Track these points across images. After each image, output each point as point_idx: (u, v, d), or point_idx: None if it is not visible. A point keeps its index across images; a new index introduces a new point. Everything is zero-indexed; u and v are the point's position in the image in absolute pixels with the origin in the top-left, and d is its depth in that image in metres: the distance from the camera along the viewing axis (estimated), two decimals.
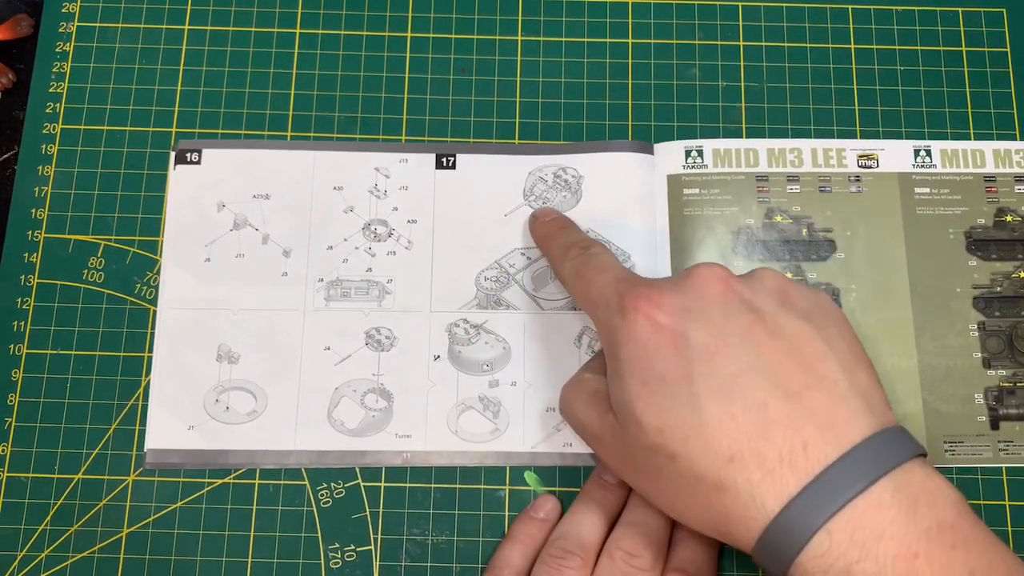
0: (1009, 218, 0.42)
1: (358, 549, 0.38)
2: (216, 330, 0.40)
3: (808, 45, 0.45)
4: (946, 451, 0.39)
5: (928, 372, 0.40)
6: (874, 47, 0.45)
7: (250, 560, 0.38)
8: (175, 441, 0.39)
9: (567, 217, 0.41)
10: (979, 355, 0.40)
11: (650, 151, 0.43)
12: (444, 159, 0.43)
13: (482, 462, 0.39)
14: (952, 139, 0.43)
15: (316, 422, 0.39)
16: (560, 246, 0.38)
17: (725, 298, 0.31)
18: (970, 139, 0.43)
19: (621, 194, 0.42)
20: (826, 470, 0.28)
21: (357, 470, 0.39)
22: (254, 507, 0.39)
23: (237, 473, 0.39)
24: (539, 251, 0.41)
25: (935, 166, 0.42)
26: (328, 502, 0.39)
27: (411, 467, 0.39)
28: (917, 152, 0.43)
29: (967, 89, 0.44)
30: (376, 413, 0.40)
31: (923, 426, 0.39)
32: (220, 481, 0.39)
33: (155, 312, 0.41)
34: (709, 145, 0.43)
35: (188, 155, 0.43)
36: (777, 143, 0.43)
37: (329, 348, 0.40)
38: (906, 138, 0.43)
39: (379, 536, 0.39)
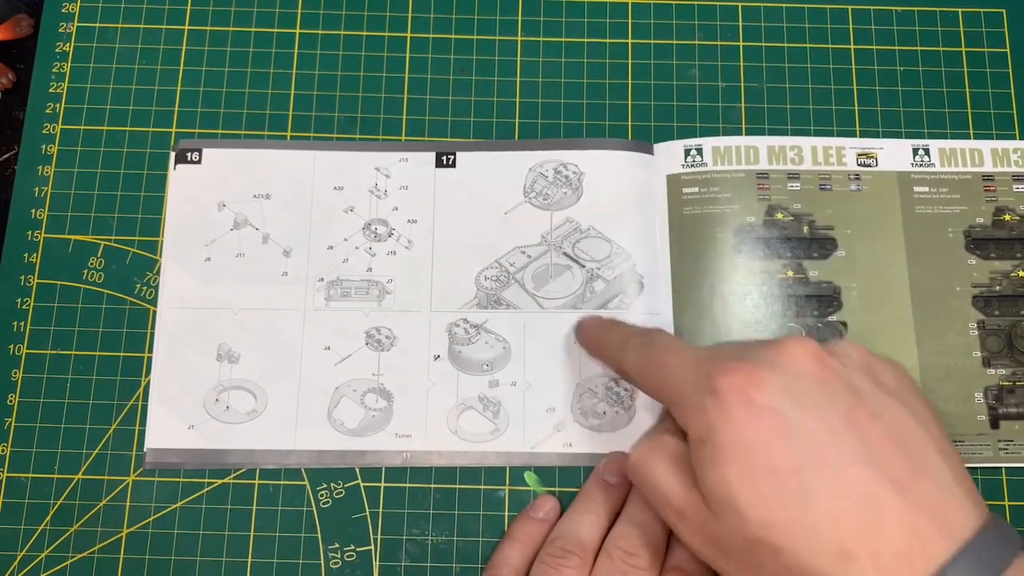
0: (1008, 217, 0.42)
1: (358, 549, 0.38)
2: (216, 330, 0.40)
3: (808, 45, 0.45)
4: None
5: (928, 371, 0.40)
6: (874, 47, 0.45)
7: (250, 560, 0.38)
8: (175, 441, 0.39)
9: (614, 319, 0.39)
10: (979, 354, 0.40)
11: (650, 151, 0.43)
12: (444, 157, 0.43)
13: (482, 462, 0.39)
14: (953, 139, 0.43)
15: (316, 422, 0.39)
16: (616, 340, 0.36)
17: (823, 377, 0.30)
18: (969, 139, 0.43)
19: (621, 193, 0.42)
20: (942, 570, 0.27)
21: (357, 470, 0.39)
22: (254, 507, 0.39)
23: (237, 473, 0.39)
24: (539, 250, 0.41)
25: (934, 165, 0.42)
26: (328, 502, 0.39)
27: (411, 467, 0.39)
28: (916, 151, 0.43)
29: (967, 89, 0.44)
30: (376, 413, 0.40)
31: None
32: (220, 481, 0.39)
33: (155, 312, 0.41)
34: (709, 143, 0.43)
35: (188, 155, 0.43)
36: (777, 140, 0.43)
37: (329, 348, 0.40)
38: (906, 139, 0.43)
39: (379, 536, 0.39)
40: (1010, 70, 0.44)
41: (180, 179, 0.42)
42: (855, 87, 0.44)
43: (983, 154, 0.43)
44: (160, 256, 0.42)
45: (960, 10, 0.45)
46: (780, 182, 0.42)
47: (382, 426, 0.40)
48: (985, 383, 0.40)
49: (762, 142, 0.43)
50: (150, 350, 0.41)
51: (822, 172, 0.42)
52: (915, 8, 0.45)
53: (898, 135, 0.43)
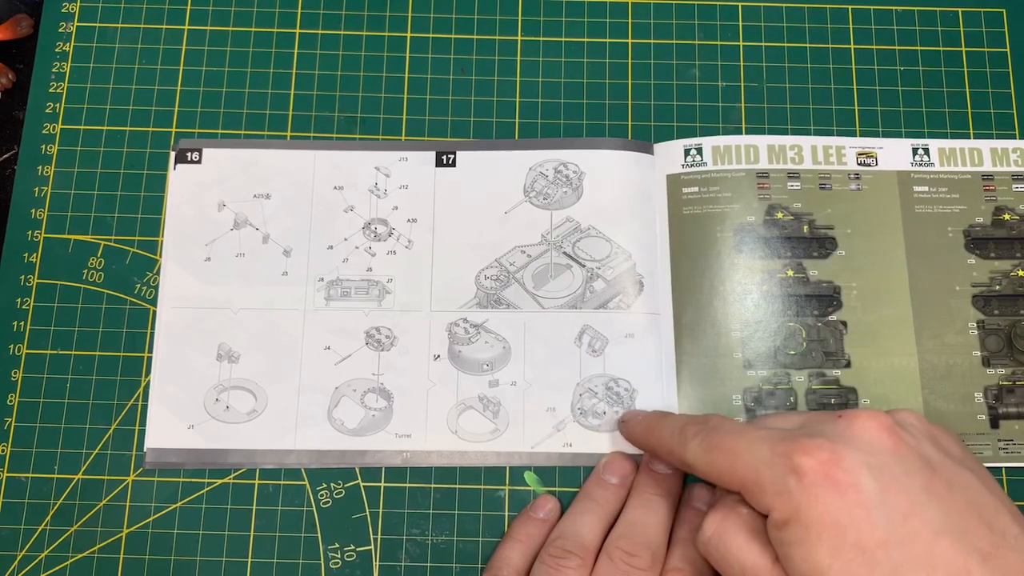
0: (1007, 216, 0.42)
1: (358, 549, 0.38)
2: (216, 329, 0.40)
3: (808, 45, 0.45)
4: None
5: (928, 370, 0.40)
6: (874, 47, 0.45)
7: (250, 560, 0.38)
8: (175, 440, 0.39)
9: (657, 410, 0.39)
10: (978, 353, 0.40)
11: (650, 151, 0.43)
12: (444, 157, 0.43)
13: (482, 462, 0.39)
14: (953, 139, 0.43)
15: (316, 421, 0.39)
16: (672, 432, 0.35)
17: (899, 451, 0.30)
18: (969, 139, 0.43)
19: (621, 192, 0.42)
20: None
21: (357, 470, 0.39)
22: (254, 507, 0.39)
23: (237, 473, 0.39)
24: (539, 249, 0.41)
25: (933, 164, 0.42)
26: (328, 502, 0.39)
27: (411, 467, 0.39)
28: (915, 151, 0.43)
29: (967, 89, 0.44)
30: (376, 413, 0.40)
31: None
32: (220, 481, 0.39)
33: (155, 312, 0.41)
34: (709, 143, 0.43)
35: (189, 154, 0.43)
36: (777, 139, 0.43)
37: (329, 348, 0.40)
38: (906, 138, 0.43)
39: (379, 536, 0.39)
40: (1010, 70, 0.44)
41: (180, 179, 0.42)
42: (855, 87, 0.44)
43: (983, 154, 0.43)
44: (160, 256, 0.42)
45: (960, 10, 0.45)
46: (780, 181, 0.42)
47: (382, 426, 0.40)
48: (985, 383, 0.40)
49: (762, 141, 0.43)
50: (150, 350, 0.41)
51: (822, 171, 0.42)
52: (915, 8, 0.45)
53: (898, 135, 0.43)
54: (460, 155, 0.43)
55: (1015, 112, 0.44)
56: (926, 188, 0.42)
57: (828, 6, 0.45)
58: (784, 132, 0.43)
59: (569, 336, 0.40)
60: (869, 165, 0.42)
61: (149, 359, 0.40)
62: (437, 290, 0.41)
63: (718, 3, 0.45)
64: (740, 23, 0.45)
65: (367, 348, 0.40)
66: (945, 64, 0.44)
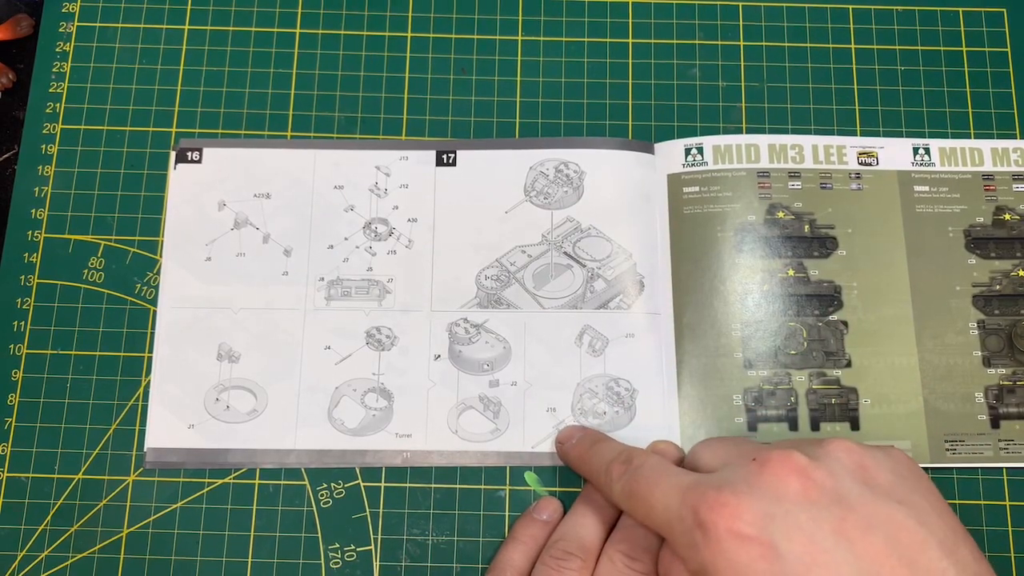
0: (1008, 216, 0.42)
1: (358, 549, 0.38)
2: (217, 329, 0.40)
3: (808, 45, 0.45)
4: (947, 449, 0.39)
5: (928, 370, 0.40)
6: (875, 47, 0.45)
7: (250, 560, 0.38)
8: (175, 440, 0.39)
9: (592, 431, 0.39)
10: (979, 353, 0.40)
11: (650, 150, 0.43)
12: (445, 156, 0.43)
13: (482, 462, 0.39)
14: (954, 139, 0.43)
15: (316, 421, 0.39)
16: (598, 468, 0.35)
17: (807, 495, 0.30)
18: (970, 139, 0.43)
19: (622, 192, 0.42)
20: None
21: (357, 470, 0.39)
22: (254, 507, 0.39)
23: (237, 473, 0.39)
24: (540, 249, 0.41)
25: (934, 164, 0.42)
26: (328, 502, 0.39)
27: (411, 467, 0.39)
28: (916, 150, 0.43)
29: (967, 89, 0.44)
30: (376, 412, 0.40)
31: (924, 424, 0.39)
32: (220, 481, 0.39)
33: (155, 312, 0.41)
34: (709, 142, 0.43)
35: (189, 154, 0.43)
36: (778, 139, 0.43)
37: (329, 347, 0.40)
38: (907, 138, 0.43)
39: (379, 536, 0.39)
40: (1011, 69, 0.44)
41: (180, 179, 0.42)
42: (856, 86, 0.44)
43: (983, 153, 0.43)
44: (160, 256, 0.42)
45: (960, 9, 0.45)
46: (781, 181, 0.42)
47: (382, 426, 0.39)
48: (985, 383, 0.40)
49: (763, 140, 0.43)
50: (150, 350, 0.40)
51: (823, 171, 0.42)
52: (915, 8, 0.45)
53: (899, 134, 0.43)
54: (461, 154, 0.43)
55: (1015, 112, 0.44)
56: (927, 188, 0.42)
57: (828, 6, 0.45)
58: (785, 132, 0.43)
59: (569, 336, 0.40)
60: (870, 165, 0.42)
61: (149, 359, 0.40)
62: (437, 290, 0.41)
63: (718, 3, 0.45)
64: (740, 23, 0.45)
65: (367, 348, 0.40)
66: (946, 64, 0.44)
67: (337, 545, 0.38)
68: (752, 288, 0.41)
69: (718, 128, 0.43)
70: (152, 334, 0.41)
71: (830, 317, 0.41)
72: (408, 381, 0.40)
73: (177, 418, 0.39)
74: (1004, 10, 0.45)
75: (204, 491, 0.39)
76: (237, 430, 0.39)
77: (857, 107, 0.44)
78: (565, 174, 0.42)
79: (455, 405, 0.40)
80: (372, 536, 0.39)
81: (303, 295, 0.41)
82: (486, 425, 0.40)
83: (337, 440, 0.39)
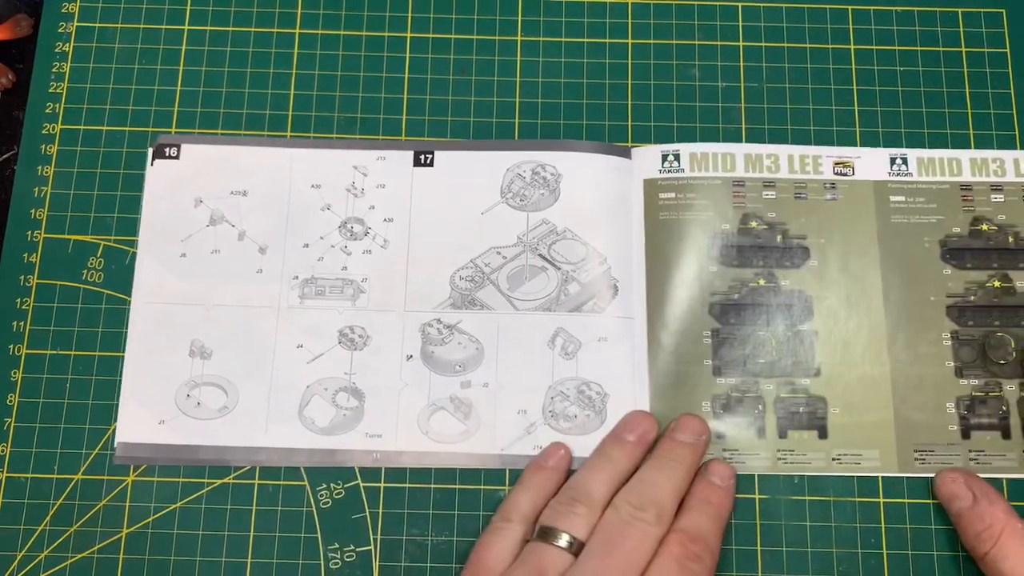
0: (985, 227, 0.42)
1: (358, 549, 0.38)
2: (190, 325, 0.40)
3: (808, 46, 0.45)
4: (916, 460, 0.39)
5: (900, 380, 0.40)
6: (873, 47, 0.45)
7: (250, 560, 0.38)
8: (145, 435, 0.39)
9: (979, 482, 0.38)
10: (952, 364, 0.40)
11: (627, 155, 0.43)
12: (422, 156, 0.43)
13: (452, 463, 0.39)
14: (953, 140, 0.43)
15: (287, 420, 0.39)
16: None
17: None
18: (969, 140, 0.43)
19: (598, 196, 0.42)
20: None
21: (357, 470, 0.39)
22: (254, 507, 0.39)
23: (237, 473, 0.39)
24: (515, 251, 0.41)
25: (911, 174, 0.42)
26: (328, 502, 0.39)
27: (411, 468, 0.39)
28: (893, 160, 0.42)
29: (967, 89, 0.44)
30: (347, 412, 0.40)
31: (894, 434, 0.39)
32: (220, 481, 0.39)
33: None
34: (686, 149, 0.43)
35: (167, 150, 0.43)
36: (754, 148, 0.43)
37: (302, 346, 0.40)
38: (906, 139, 0.43)
39: (379, 536, 0.39)
40: (1010, 70, 0.44)
41: (157, 174, 0.42)
42: (855, 87, 0.44)
43: (961, 163, 0.42)
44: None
45: (960, 10, 0.45)
46: (756, 190, 0.42)
47: (353, 425, 0.40)
48: (957, 393, 0.40)
49: (739, 149, 0.43)
50: None
51: (798, 181, 0.42)
52: (915, 8, 0.45)
53: (898, 134, 0.43)
54: (438, 155, 0.43)
55: (1015, 112, 0.44)
56: (903, 198, 0.42)
57: (828, 7, 0.45)
58: (784, 132, 0.43)
59: (542, 338, 0.40)
60: (845, 175, 0.42)
61: None
62: (412, 290, 0.41)
63: (718, 3, 0.45)
64: (740, 23, 0.45)
65: (340, 347, 0.40)
66: (945, 64, 0.44)
67: (337, 545, 0.38)
68: (723, 296, 0.41)
69: (717, 129, 0.43)
70: None
71: (800, 327, 0.40)
72: (380, 381, 0.40)
73: (148, 413, 0.39)
74: (1003, 11, 0.45)
75: (204, 491, 0.39)
76: (207, 427, 0.39)
77: (856, 107, 0.44)
78: (542, 176, 0.42)
79: (426, 406, 0.40)
80: (372, 536, 0.39)
81: (277, 293, 0.41)
82: (457, 426, 0.40)
83: (307, 439, 0.39)
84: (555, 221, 0.42)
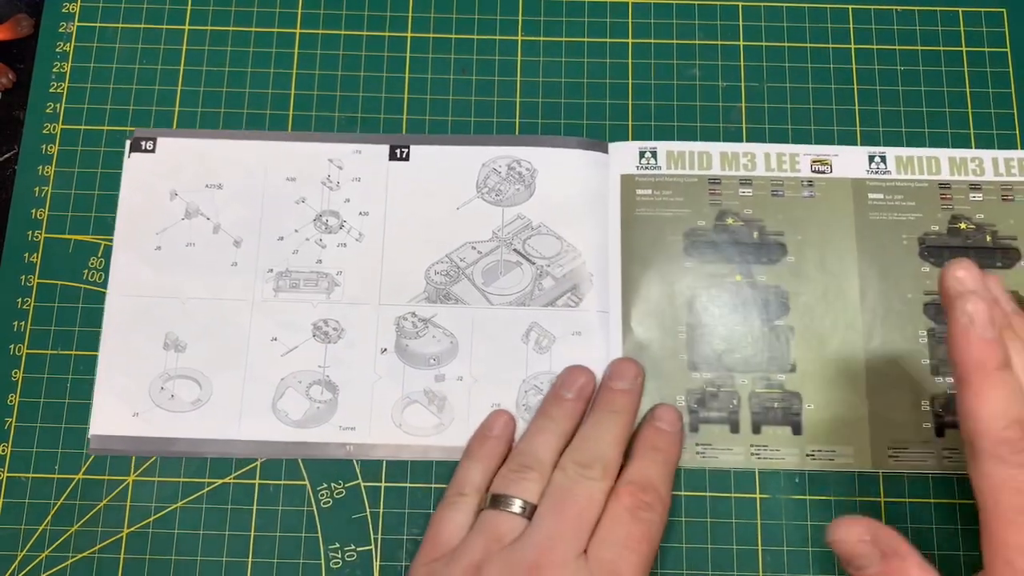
0: (963, 225, 0.42)
1: (358, 549, 0.38)
2: (164, 318, 0.40)
3: (808, 45, 0.45)
4: (890, 457, 0.39)
5: (875, 377, 0.40)
6: (874, 47, 0.45)
7: (250, 560, 0.38)
8: (120, 428, 0.39)
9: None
10: (927, 362, 0.40)
11: (604, 150, 0.43)
12: (398, 150, 0.43)
13: (425, 456, 0.39)
14: (954, 139, 0.43)
15: (260, 412, 0.39)
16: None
17: None
18: (971, 139, 0.43)
19: (574, 191, 0.42)
20: None
21: (357, 468, 0.39)
22: (254, 507, 0.39)
23: (237, 472, 0.39)
24: (490, 246, 0.41)
25: (890, 172, 0.42)
26: (328, 502, 0.39)
27: (411, 467, 0.39)
28: (872, 158, 0.42)
29: (967, 89, 0.44)
30: (321, 405, 0.40)
31: (868, 431, 0.39)
32: (220, 481, 0.39)
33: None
34: (663, 147, 0.43)
35: (143, 143, 0.43)
36: (730, 147, 0.43)
37: (276, 339, 0.40)
38: (907, 138, 0.43)
39: (379, 536, 0.39)
40: (1010, 70, 0.44)
41: (134, 167, 0.42)
42: (855, 87, 0.44)
43: (940, 162, 0.42)
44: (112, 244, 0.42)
45: (960, 10, 0.45)
46: (732, 187, 0.42)
47: (326, 418, 0.40)
48: (932, 391, 0.40)
49: (715, 148, 0.43)
50: None
51: (774, 178, 0.42)
52: (915, 8, 0.45)
53: (898, 134, 0.43)
54: (414, 149, 0.43)
55: (1015, 112, 0.44)
56: (881, 195, 0.42)
57: (828, 6, 0.45)
58: (785, 132, 0.43)
59: (516, 333, 0.40)
60: (823, 172, 0.42)
61: None
62: (386, 284, 0.41)
63: (718, 3, 0.45)
64: (740, 23, 0.45)
65: (314, 340, 0.40)
66: (945, 64, 0.44)
67: (337, 545, 0.38)
68: (699, 292, 0.41)
69: (718, 128, 0.43)
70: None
71: (776, 322, 0.40)
72: (354, 374, 0.40)
73: (123, 405, 0.39)
74: (1004, 10, 0.45)
75: (204, 491, 0.39)
76: (182, 419, 0.39)
77: (856, 107, 0.44)
78: (517, 172, 0.42)
79: (400, 399, 0.40)
80: (372, 536, 0.39)
81: (251, 286, 0.41)
82: (430, 419, 0.40)
83: (281, 431, 0.39)
84: (530, 216, 0.42)
